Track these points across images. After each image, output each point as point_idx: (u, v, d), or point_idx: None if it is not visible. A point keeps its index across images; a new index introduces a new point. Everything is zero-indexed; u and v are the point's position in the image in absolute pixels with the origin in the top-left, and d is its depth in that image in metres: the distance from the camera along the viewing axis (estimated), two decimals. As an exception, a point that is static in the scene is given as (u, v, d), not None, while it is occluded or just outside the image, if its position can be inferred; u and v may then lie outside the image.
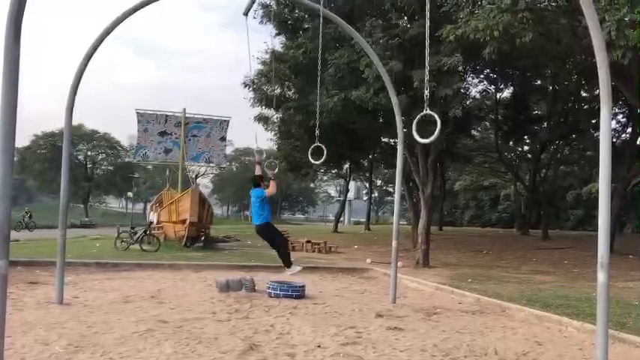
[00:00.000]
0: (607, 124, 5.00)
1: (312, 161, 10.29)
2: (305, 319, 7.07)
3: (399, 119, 8.92)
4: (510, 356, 5.58)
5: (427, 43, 6.43)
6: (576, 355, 5.72)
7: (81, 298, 7.99)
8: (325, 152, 9.51)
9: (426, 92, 6.31)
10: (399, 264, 14.71)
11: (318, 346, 5.57)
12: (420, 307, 8.40)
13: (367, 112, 14.74)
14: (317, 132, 9.53)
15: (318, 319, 7.04)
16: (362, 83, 13.00)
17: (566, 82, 25.21)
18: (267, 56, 17.50)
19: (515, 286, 10.82)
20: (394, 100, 8.84)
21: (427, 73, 6.44)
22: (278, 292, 8.63)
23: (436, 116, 6.00)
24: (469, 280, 11.75)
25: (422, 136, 6.39)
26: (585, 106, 27.99)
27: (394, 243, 8.81)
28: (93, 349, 5.12)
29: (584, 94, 27.02)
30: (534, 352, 5.82)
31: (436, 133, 6.09)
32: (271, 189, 9.25)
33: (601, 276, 4.87)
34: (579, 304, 8.39)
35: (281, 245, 9.57)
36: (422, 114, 6.20)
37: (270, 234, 9.40)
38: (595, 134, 28.94)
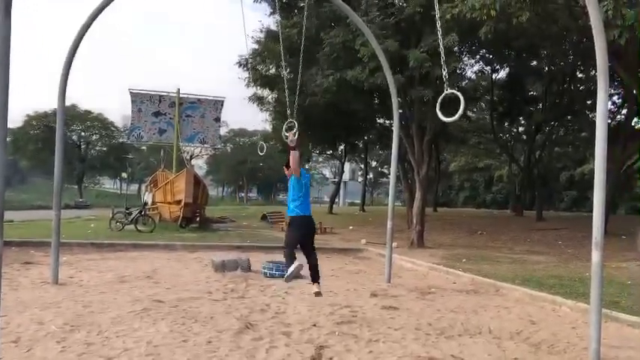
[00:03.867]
0: (604, 104, 4.99)
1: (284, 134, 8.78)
2: (300, 298, 7.09)
3: (394, 99, 8.86)
4: (504, 335, 5.63)
5: (437, 16, 6.28)
6: (570, 334, 5.77)
7: (76, 278, 7.99)
8: (296, 127, 8.43)
9: (445, 72, 6.06)
10: (394, 244, 14.79)
11: (314, 325, 5.61)
12: (414, 286, 8.44)
13: (363, 92, 14.65)
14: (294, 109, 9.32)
15: (314, 299, 7.04)
16: (357, 63, 12.89)
17: (562, 63, 25.11)
18: (262, 35, 17.33)
19: (509, 267, 10.89)
20: (390, 79, 8.78)
21: (442, 49, 6.21)
22: (274, 272, 8.65)
23: (460, 95, 5.78)
24: (463, 260, 11.80)
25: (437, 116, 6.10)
26: (581, 87, 27.94)
27: (389, 223, 8.82)
28: (89, 328, 5.13)
29: (580, 75, 26.98)
30: (528, 330, 5.87)
31: (460, 111, 5.77)
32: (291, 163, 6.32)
33: (595, 255, 4.90)
34: (573, 284, 8.46)
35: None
36: (445, 94, 5.90)
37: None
38: (590, 115, 28.96)
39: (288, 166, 6.43)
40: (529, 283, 8.52)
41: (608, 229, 19.42)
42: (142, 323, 5.43)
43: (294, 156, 6.07)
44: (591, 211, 4.96)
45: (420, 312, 6.55)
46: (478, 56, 25.36)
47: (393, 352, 4.76)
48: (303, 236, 6.20)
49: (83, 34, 7.42)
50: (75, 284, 7.48)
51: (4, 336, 4.71)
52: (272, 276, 8.60)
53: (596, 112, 5.11)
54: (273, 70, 17.29)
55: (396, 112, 8.92)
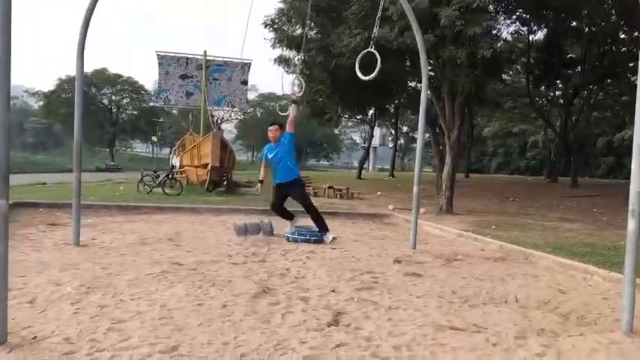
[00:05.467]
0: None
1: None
2: (322, 263, 6.95)
3: (423, 60, 8.47)
4: (531, 304, 5.38)
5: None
6: (601, 304, 5.49)
7: (98, 240, 8.01)
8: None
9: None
10: (422, 210, 14.55)
11: (332, 291, 5.45)
12: (440, 253, 8.21)
13: (392, 52, 14.17)
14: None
15: (335, 264, 6.91)
16: (386, 22, 12.42)
17: (603, 24, 23.95)
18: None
19: (540, 234, 10.55)
20: (419, 39, 8.37)
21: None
22: (296, 236, 8.52)
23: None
24: (493, 227, 11.49)
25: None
26: (623, 49, 26.67)
27: (415, 188, 8.55)
28: (105, 291, 5.08)
29: (622, 36, 25.72)
30: (556, 300, 5.61)
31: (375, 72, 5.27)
32: (290, 116, 8.69)
33: (631, 223, 4.57)
34: (606, 253, 8.11)
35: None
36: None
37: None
38: (632, 79, 27.73)
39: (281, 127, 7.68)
40: (560, 251, 8.20)
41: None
42: (159, 286, 5.36)
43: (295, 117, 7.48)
44: (629, 177, 4.63)
45: (445, 279, 6.34)
46: (515, 16, 24.37)
47: (413, 320, 4.57)
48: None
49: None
50: (96, 246, 7.49)
51: (20, 296, 4.70)
52: (295, 240, 8.49)
53: (637, 75, 4.77)
54: (299, 31, 16.87)
55: (424, 73, 8.53)
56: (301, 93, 5.93)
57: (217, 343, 3.80)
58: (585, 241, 9.55)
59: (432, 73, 15.42)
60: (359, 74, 5.85)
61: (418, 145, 8.74)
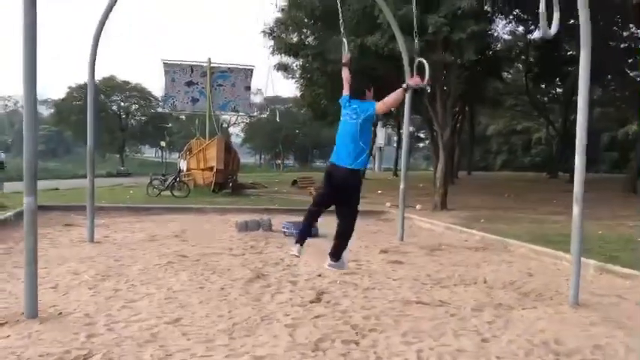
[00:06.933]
0: None
1: None
2: (314, 254, 7.56)
3: (406, 66, 9.14)
4: (498, 284, 6.03)
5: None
6: (562, 284, 6.11)
7: (111, 237, 8.73)
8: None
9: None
10: (418, 207, 15.19)
11: (319, 275, 6.14)
12: (426, 244, 8.86)
13: (386, 58, 14.83)
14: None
15: (326, 255, 7.55)
16: (377, 29, 13.08)
17: (601, 23, 24.46)
18: (285, 3, 17.57)
19: (525, 226, 11.16)
20: (402, 45, 9.07)
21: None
22: (292, 230, 9.17)
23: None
24: (482, 220, 12.11)
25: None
26: (622, 45, 27.11)
27: (402, 185, 9.22)
28: (118, 278, 5.79)
29: (622, 33, 26.15)
30: (522, 281, 6.26)
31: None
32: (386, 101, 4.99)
33: (576, 209, 5.24)
34: (580, 241, 8.70)
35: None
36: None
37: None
38: (631, 74, 28.20)
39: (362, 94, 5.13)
40: (537, 240, 8.82)
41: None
42: (166, 274, 6.06)
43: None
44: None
45: (423, 266, 7.00)
46: (511, 16, 24.94)
47: (385, 298, 5.24)
48: (332, 192, 5.12)
49: (112, 6, 7.85)
50: (109, 242, 8.21)
51: (44, 283, 5.39)
52: (291, 234, 9.14)
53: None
54: (296, 39, 17.57)
55: (408, 77, 9.17)
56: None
57: (214, 316, 4.49)
58: (564, 232, 10.08)
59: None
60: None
61: (404, 147, 9.42)
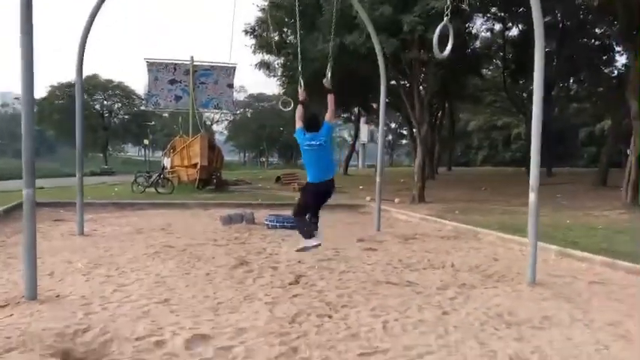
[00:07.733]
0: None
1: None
2: (294, 244, 7.94)
3: (381, 64, 9.58)
4: (464, 268, 6.51)
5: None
6: (523, 266, 6.58)
7: (99, 231, 9.07)
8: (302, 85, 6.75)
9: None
10: (397, 200, 15.68)
11: (299, 262, 6.57)
12: (401, 234, 9.33)
13: (365, 57, 15.27)
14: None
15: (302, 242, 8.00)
16: (355, 28, 13.51)
17: (573, 21, 25.18)
18: (266, 3, 17.94)
19: (497, 216, 11.69)
20: (377, 45, 9.50)
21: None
22: (275, 223, 9.60)
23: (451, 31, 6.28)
24: (456, 212, 12.63)
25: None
26: (596, 43, 27.89)
27: (377, 179, 9.68)
28: (109, 266, 6.16)
29: (595, 30, 26.93)
30: (487, 264, 6.75)
31: (448, 47, 6.18)
32: (330, 109, 5.97)
33: (532, 196, 5.74)
34: (546, 230, 9.18)
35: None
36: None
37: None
38: (605, 70, 29.05)
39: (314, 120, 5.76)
40: (507, 229, 9.32)
41: (610, 182, 20.00)
42: (154, 262, 6.44)
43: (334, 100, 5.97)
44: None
45: (397, 252, 7.46)
46: (489, 14, 25.55)
47: (357, 279, 5.69)
48: (316, 202, 5.91)
49: (98, 9, 8.16)
50: (98, 235, 8.56)
51: (40, 271, 5.68)
52: (273, 227, 9.56)
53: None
54: (277, 38, 17.95)
55: (383, 77, 9.64)
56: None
57: (200, 297, 4.90)
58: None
59: (392, 74, 16.51)
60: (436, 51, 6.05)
61: (379, 142, 9.89)
